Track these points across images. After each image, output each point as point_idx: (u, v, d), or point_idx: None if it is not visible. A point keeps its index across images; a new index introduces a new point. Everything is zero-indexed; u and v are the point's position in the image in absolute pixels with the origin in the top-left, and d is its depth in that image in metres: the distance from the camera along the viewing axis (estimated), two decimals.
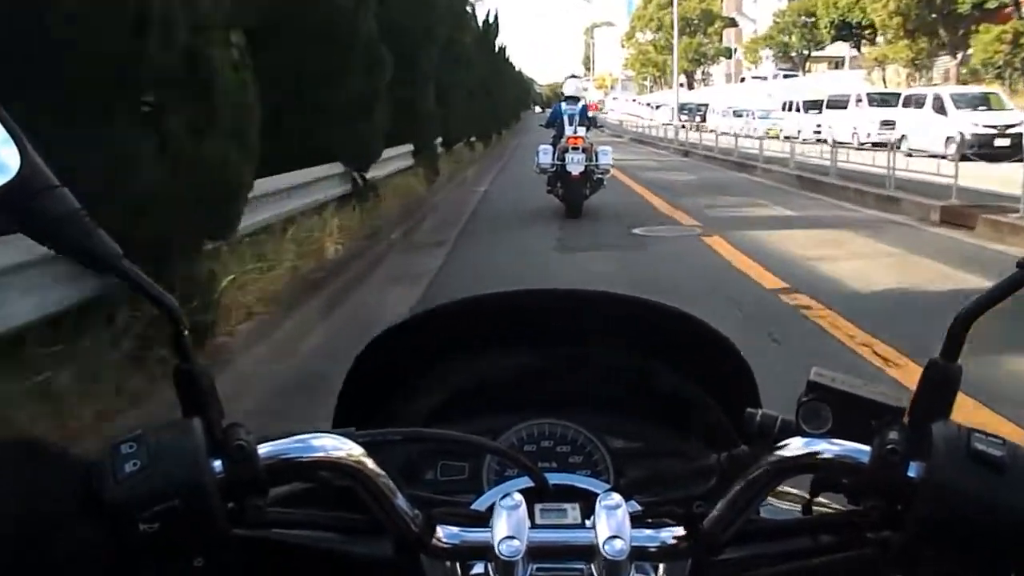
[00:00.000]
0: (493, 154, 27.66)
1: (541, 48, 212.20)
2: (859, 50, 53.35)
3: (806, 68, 64.35)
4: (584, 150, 11.08)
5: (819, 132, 28.87)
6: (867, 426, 0.63)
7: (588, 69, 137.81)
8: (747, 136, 25.83)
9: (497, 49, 36.09)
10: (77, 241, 0.61)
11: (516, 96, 55.06)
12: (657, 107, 55.58)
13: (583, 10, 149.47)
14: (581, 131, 11.34)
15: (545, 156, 11.34)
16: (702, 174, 19.21)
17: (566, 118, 11.52)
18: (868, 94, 29.28)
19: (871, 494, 0.63)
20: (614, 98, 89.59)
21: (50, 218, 0.60)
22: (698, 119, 42.07)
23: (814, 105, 32.21)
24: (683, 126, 35.12)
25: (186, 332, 0.63)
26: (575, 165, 10.95)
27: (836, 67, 60.84)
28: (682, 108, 47.23)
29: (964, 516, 0.57)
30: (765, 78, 64.14)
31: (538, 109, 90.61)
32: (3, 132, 0.60)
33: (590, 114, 12.06)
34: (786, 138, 26.33)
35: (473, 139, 25.06)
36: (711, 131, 29.92)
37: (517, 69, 62.01)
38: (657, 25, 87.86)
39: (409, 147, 14.10)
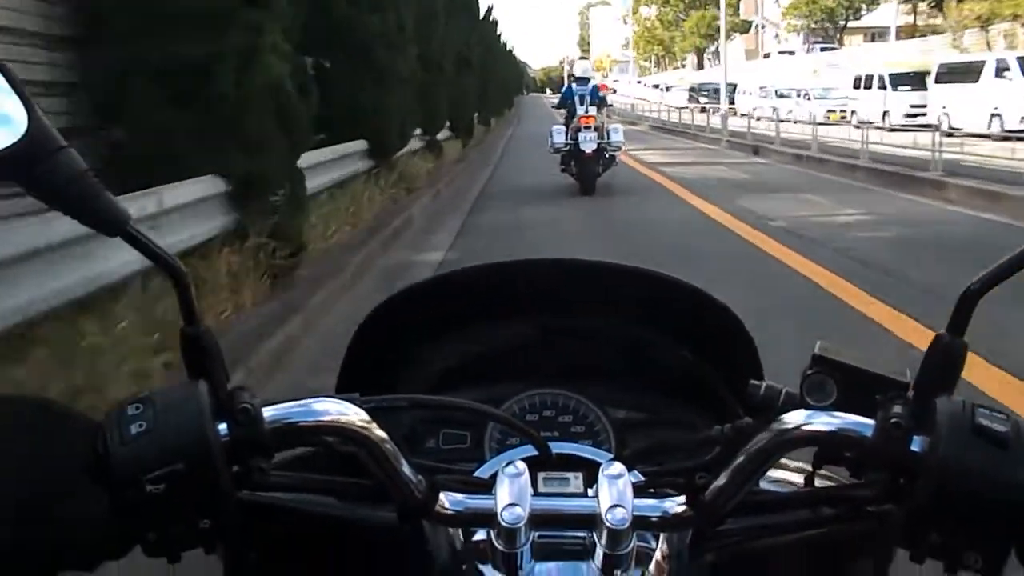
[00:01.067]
0: (474, 161, 19.29)
1: (534, 31, 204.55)
2: (915, 16, 46.19)
3: (841, 41, 56.59)
4: (596, 129, 11.57)
5: (919, 114, 21.55)
6: (871, 400, 0.63)
7: (584, 52, 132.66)
8: (819, 123, 18.80)
9: (483, 15, 30.73)
10: (85, 203, 0.61)
11: (506, 79, 48.28)
12: (667, 89, 50.63)
13: None
14: (592, 111, 11.81)
15: (559, 136, 11.81)
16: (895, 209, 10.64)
17: (577, 98, 11.98)
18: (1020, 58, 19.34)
19: (874, 468, 0.63)
20: (615, 80, 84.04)
21: (57, 179, 0.60)
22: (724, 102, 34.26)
23: (909, 79, 24.29)
24: (703, 110, 31.22)
25: (192, 294, 0.64)
26: (588, 143, 11.44)
27: (873, 39, 53.85)
28: (699, 89, 43.82)
29: (967, 491, 0.57)
30: (792, 53, 57.55)
31: (533, 94, 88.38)
32: (11, 92, 0.60)
33: (600, 94, 12.54)
34: (859, 123, 18.99)
35: (446, 135, 18.16)
36: (753, 115, 25.73)
37: (509, 47, 56.50)
38: None
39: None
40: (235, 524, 0.61)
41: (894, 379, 0.64)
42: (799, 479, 0.77)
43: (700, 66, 79.34)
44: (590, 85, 12.20)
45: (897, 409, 0.61)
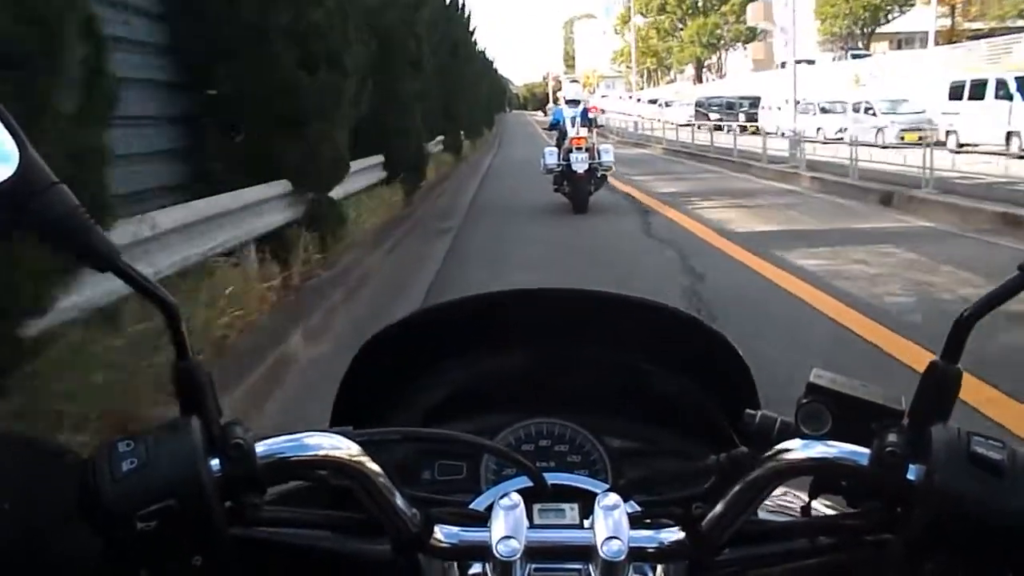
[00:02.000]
0: (414, 232, 10.61)
1: (516, 46, 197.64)
2: (952, 19, 40.11)
3: (867, 47, 50.07)
4: (587, 149, 11.86)
5: None
6: (866, 428, 0.63)
7: (569, 66, 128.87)
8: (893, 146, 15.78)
9: (458, 13, 25.86)
10: (76, 239, 0.61)
11: (488, 94, 42.15)
12: (667, 104, 46.23)
13: (561, 3, 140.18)
14: (583, 132, 12.15)
15: (551, 157, 12.25)
16: None
17: (568, 120, 12.36)
18: None
19: (870, 496, 0.63)
20: (603, 96, 77.99)
21: (49, 216, 0.60)
22: (739, 118, 30.22)
23: None
24: (718, 127, 26.38)
25: (183, 327, 0.63)
26: (579, 164, 11.74)
27: (899, 46, 48.03)
28: (707, 104, 38.54)
29: (963, 519, 0.57)
30: (812, 62, 49.57)
31: (516, 111, 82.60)
32: (1, 129, 0.59)
33: (590, 116, 12.87)
34: (960, 146, 16.65)
35: (370, 179, 10.80)
36: (777, 133, 22.28)
37: (489, 59, 50.74)
38: (660, 4, 73.94)
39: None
40: (228, 560, 0.61)
41: (889, 407, 0.64)
42: (796, 508, 0.76)
43: (699, 79, 73.15)
44: (580, 107, 12.56)
45: (892, 438, 0.61)
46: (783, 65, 52.38)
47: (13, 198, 0.59)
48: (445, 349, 0.95)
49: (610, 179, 13.06)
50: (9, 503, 0.55)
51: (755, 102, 36.10)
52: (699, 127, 30.63)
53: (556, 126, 12.85)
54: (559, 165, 12.05)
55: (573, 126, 12.15)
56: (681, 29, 75.36)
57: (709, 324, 0.91)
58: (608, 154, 12.19)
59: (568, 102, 12.73)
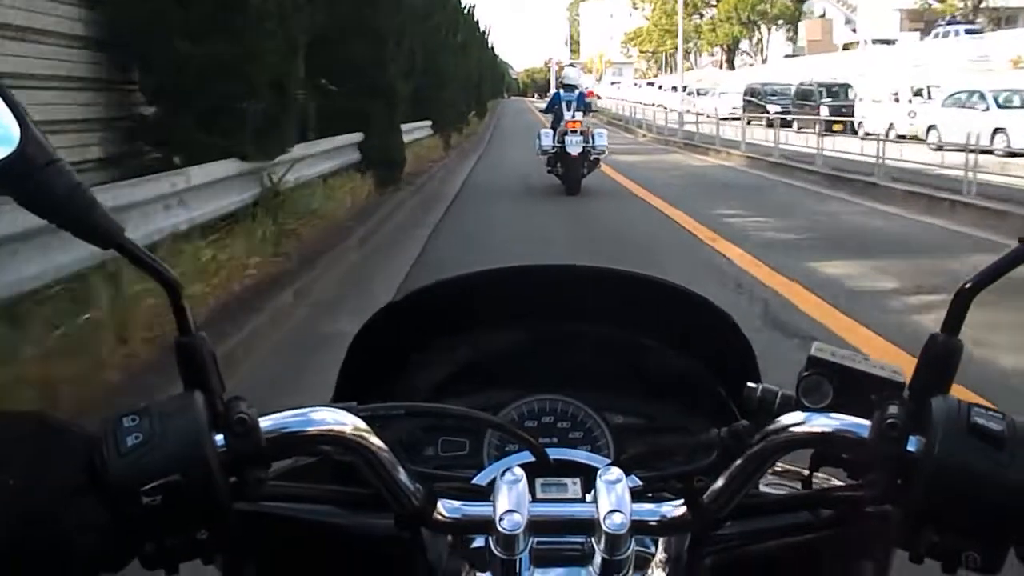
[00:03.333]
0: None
1: (517, 29, 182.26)
2: None
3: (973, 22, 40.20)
4: (582, 133, 12.23)
5: None
6: (867, 401, 0.63)
7: (573, 52, 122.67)
8: None
9: None
10: (78, 216, 0.61)
11: (479, 75, 35.33)
12: (698, 92, 38.74)
13: None
14: (579, 116, 12.56)
15: (546, 139, 12.56)
16: None
17: (564, 104, 12.78)
18: None
19: (871, 468, 0.63)
20: (613, 83, 72.75)
21: (50, 193, 0.60)
22: (820, 112, 23.39)
23: None
24: (785, 123, 20.21)
25: (186, 303, 0.63)
26: (574, 147, 12.12)
27: (999, 25, 39.95)
28: (762, 93, 31.38)
29: (963, 490, 0.57)
30: (892, 41, 40.91)
31: (515, 97, 76.63)
32: (2, 106, 0.59)
33: (586, 100, 13.38)
34: None
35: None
36: (890, 133, 16.84)
37: (486, 36, 43.43)
38: None
39: None
40: (233, 535, 0.61)
41: (889, 379, 0.65)
42: (797, 481, 0.77)
43: (730, 64, 63.83)
44: (576, 92, 12.89)
45: (893, 409, 0.61)
46: (849, 46, 45.08)
47: (13, 174, 0.59)
48: (448, 326, 0.95)
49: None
50: (15, 478, 0.55)
51: (841, 90, 27.33)
52: (749, 121, 22.93)
53: (552, 109, 13.26)
54: (554, 147, 12.37)
55: (569, 110, 12.52)
56: (714, 4, 64.68)
57: (711, 300, 0.92)
58: (601, 138, 12.51)
59: (564, 86, 13.15)
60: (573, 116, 12.35)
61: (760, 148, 18.57)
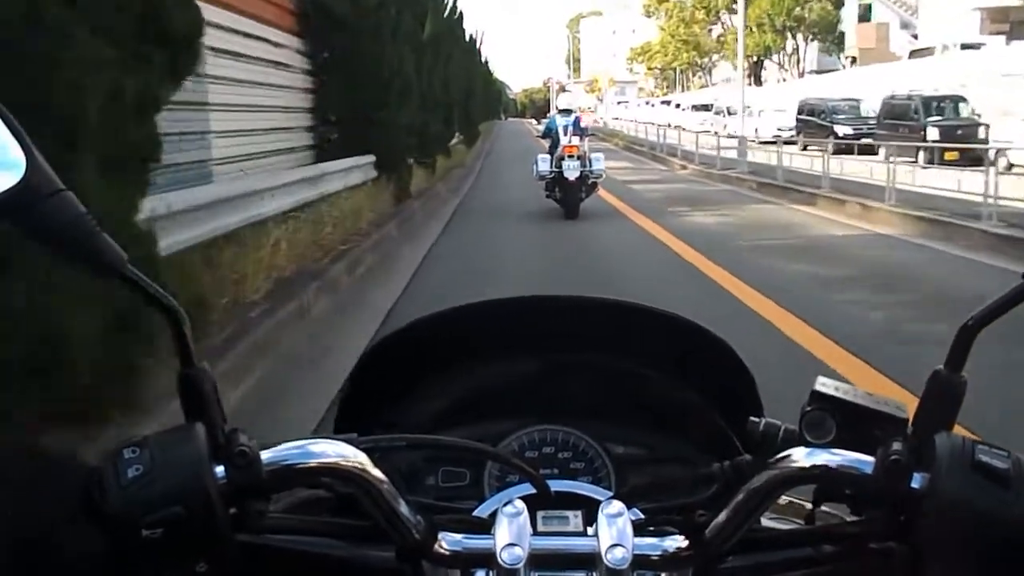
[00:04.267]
0: None
1: (515, 49, 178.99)
2: None
3: None
4: (579, 157, 12.31)
5: None
6: (870, 436, 0.63)
7: (574, 71, 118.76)
8: None
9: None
10: (82, 246, 0.61)
11: (468, 90, 28.47)
12: (728, 112, 31.92)
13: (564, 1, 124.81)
14: (575, 140, 12.63)
15: (544, 164, 12.63)
16: None
17: (560, 129, 12.88)
18: None
19: (874, 505, 0.63)
20: (619, 102, 65.92)
21: (55, 223, 0.60)
22: (926, 135, 18.29)
23: None
24: (867, 149, 17.54)
25: (189, 335, 0.63)
26: (571, 172, 12.18)
27: None
28: (828, 111, 24.65)
29: (967, 527, 0.57)
30: (979, 46, 33.99)
31: (513, 119, 72.13)
32: (8, 135, 0.59)
33: (582, 125, 13.37)
34: None
35: None
36: None
37: (477, 46, 37.72)
38: None
39: None
40: (233, 567, 0.61)
41: (893, 415, 0.65)
42: (799, 516, 0.77)
43: (756, 79, 55.32)
44: (572, 116, 13.03)
45: (896, 446, 0.61)
46: (918, 52, 34.14)
47: (19, 204, 0.59)
48: (449, 356, 0.95)
49: None
50: (13, 508, 0.55)
51: (949, 105, 20.25)
52: (805, 147, 19.65)
53: (549, 134, 13.36)
54: (551, 172, 12.46)
55: (566, 134, 12.62)
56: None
57: (713, 332, 0.91)
58: (599, 162, 12.60)
59: (560, 111, 13.37)
60: (570, 141, 12.45)
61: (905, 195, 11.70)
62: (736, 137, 20.71)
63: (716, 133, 24.42)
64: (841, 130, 22.58)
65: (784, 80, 51.15)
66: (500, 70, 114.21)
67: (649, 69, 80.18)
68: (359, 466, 0.64)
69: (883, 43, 39.78)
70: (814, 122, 24.52)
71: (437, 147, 17.54)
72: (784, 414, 0.71)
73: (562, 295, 0.95)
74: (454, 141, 23.65)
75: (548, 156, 12.64)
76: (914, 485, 0.60)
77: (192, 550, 0.59)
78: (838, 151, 16.15)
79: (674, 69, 73.52)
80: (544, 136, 13.84)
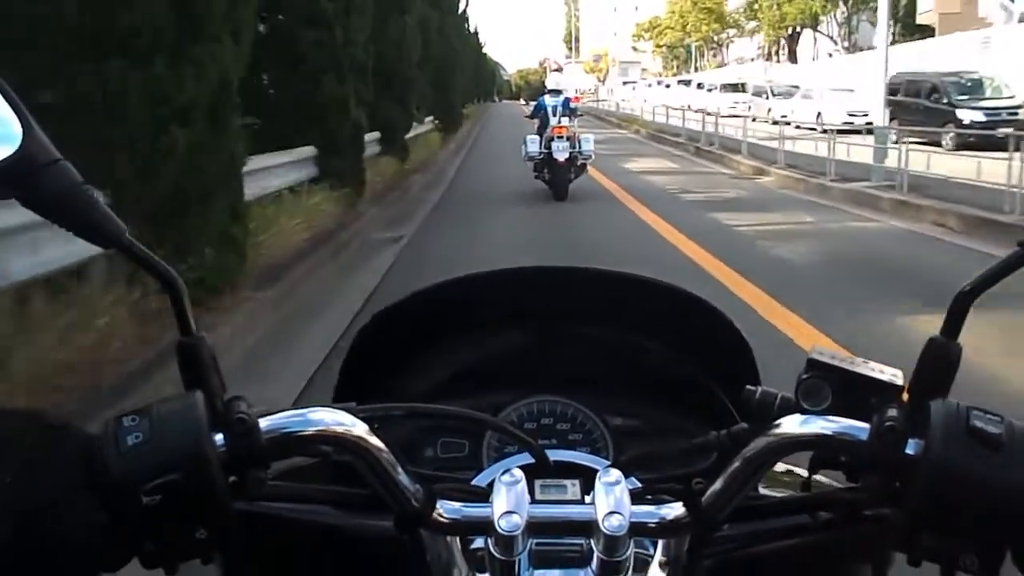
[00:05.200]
0: None
1: (510, 29, 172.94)
2: None
3: None
4: (568, 138, 12.20)
5: None
6: (866, 403, 0.64)
7: (572, 50, 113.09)
8: None
9: None
10: (80, 215, 0.61)
11: (450, 63, 23.99)
12: (772, 93, 29.74)
13: None
14: (564, 121, 12.53)
15: (533, 145, 12.50)
16: None
17: (550, 109, 12.77)
18: None
19: (869, 471, 0.63)
20: (627, 83, 60.77)
21: (53, 192, 0.60)
22: None
23: None
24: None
25: (187, 303, 0.63)
26: (560, 152, 12.10)
27: None
28: (919, 90, 18.92)
29: (961, 493, 0.58)
30: None
31: (507, 100, 67.59)
32: (5, 106, 0.59)
33: (571, 105, 13.28)
34: None
35: None
36: None
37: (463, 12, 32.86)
38: None
39: None
40: (232, 535, 0.61)
41: (888, 382, 0.65)
42: (795, 484, 0.77)
43: (792, 55, 48.77)
44: (562, 97, 12.92)
45: (892, 412, 0.61)
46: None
47: (16, 175, 0.59)
48: (448, 327, 0.95)
49: None
50: (14, 476, 0.55)
51: None
52: (898, 139, 12.99)
53: (537, 114, 13.24)
54: (540, 153, 12.37)
55: (555, 115, 12.53)
56: None
57: (710, 302, 0.92)
58: (588, 144, 12.51)
59: (550, 91, 13.20)
60: (559, 121, 12.37)
61: None
62: (794, 124, 17.39)
63: (757, 118, 21.42)
64: (967, 116, 16.84)
65: (832, 55, 42.30)
66: (495, 51, 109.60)
67: (658, 47, 70.94)
68: (358, 435, 0.64)
69: (970, 7, 30.70)
70: (920, 105, 18.04)
71: (396, 138, 14.02)
72: None
73: (561, 266, 0.96)
74: (422, 129, 18.61)
75: (537, 137, 12.54)
76: (909, 451, 0.60)
77: (191, 517, 0.59)
78: (962, 145, 12.37)
79: (686, 47, 65.78)
80: (533, 116, 13.72)
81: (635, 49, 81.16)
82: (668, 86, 46.36)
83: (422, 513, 0.67)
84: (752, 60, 55.37)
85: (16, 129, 0.59)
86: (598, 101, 61.40)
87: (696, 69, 62.35)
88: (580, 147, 12.35)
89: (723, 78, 42.03)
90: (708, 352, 0.92)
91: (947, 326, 0.62)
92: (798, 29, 49.19)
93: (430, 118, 21.06)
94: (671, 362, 0.95)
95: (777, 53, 54.01)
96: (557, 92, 13.03)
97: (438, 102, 21.43)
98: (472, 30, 43.31)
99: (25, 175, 0.59)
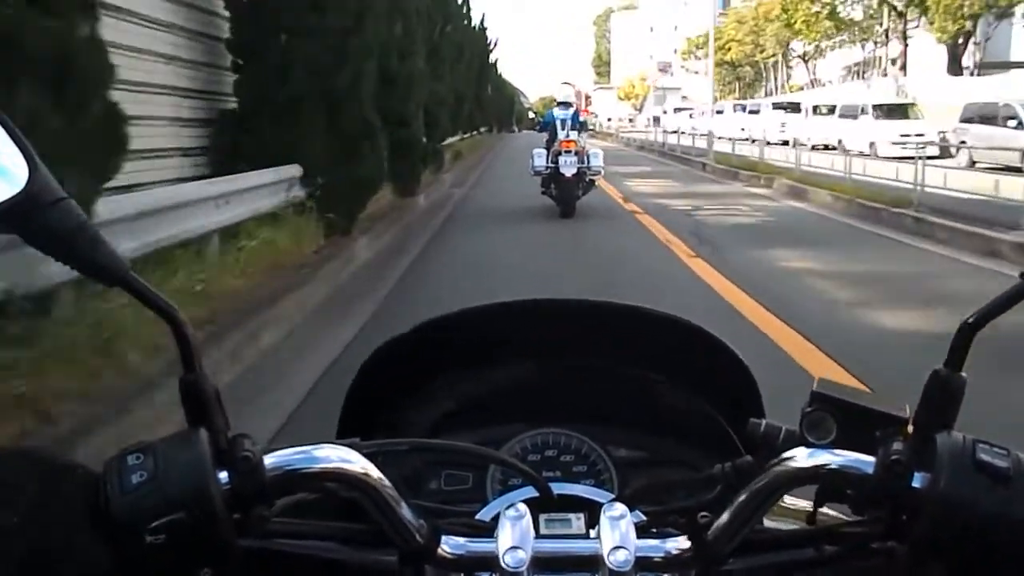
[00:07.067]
0: None
1: (531, 53, 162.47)
2: None
3: None
4: (576, 153, 11.85)
5: None
6: (871, 436, 0.63)
7: (600, 75, 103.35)
8: None
9: None
10: (84, 254, 0.61)
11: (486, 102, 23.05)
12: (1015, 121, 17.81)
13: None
14: (573, 135, 12.16)
15: (539, 159, 12.17)
16: None
17: (558, 123, 12.39)
18: None
19: (875, 505, 0.63)
20: (680, 109, 50.59)
21: (57, 231, 0.60)
22: None
23: None
24: None
25: (191, 340, 0.63)
26: (568, 167, 11.74)
27: None
28: None
29: (968, 527, 0.57)
30: None
31: (527, 131, 54.61)
32: (11, 145, 0.59)
33: (581, 119, 12.88)
34: None
35: None
36: None
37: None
38: None
39: None
40: (236, 572, 0.61)
41: (893, 415, 0.65)
42: (801, 518, 0.77)
43: (956, 63, 37.51)
44: (571, 110, 12.59)
45: (897, 446, 0.61)
46: None
47: (21, 213, 0.59)
48: (452, 360, 0.95)
49: None
50: (19, 516, 0.55)
51: None
52: None
53: (546, 128, 12.90)
54: (547, 167, 12.07)
55: (563, 128, 12.20)
56: None
57: (715, 334, 0.92)
58: (597, 158, 12.21)
59: (559, 104, 12.81)
60: (567, 135, 12.03)
61: None
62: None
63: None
64: None
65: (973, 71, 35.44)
66: (515, 77, 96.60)
67: (718, 65, 53.67)
68: (361, 471, 0.64)
69: None
70: None
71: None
72: None
73: (564, 298, 0.95)
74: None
75: (544, 151, 12.25)
76: (915, 484, 0.60)
77: (196, 556, 0.59)
78: None
79: (756, 63, 54.94)
80: (541, 129, 13.39)
81: (686, 70, 73.65)
82: (756, 112, 34.76)
83: (426, 549, 0.67)
84: (859, 77, 46.51)
85: (22, 168, 0.59)
86: (651, 130, 44.16)
87: (769, 92, 51.64)
88: (589, 162, 12.04)
89: (830, 98, 30.76)
90: (713, 384, 0.92)
91: (951, 358, 0.62)
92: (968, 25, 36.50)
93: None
94: (675, 394, 0.95)
95: (880, 66, 44.81)
96: (567, 105, 12.66)
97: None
98: (488, 42, 36.18)
99: (30, 213, 0.59)
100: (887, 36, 43.07)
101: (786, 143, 22.71)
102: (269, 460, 0.62)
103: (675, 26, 78.94)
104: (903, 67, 39.70)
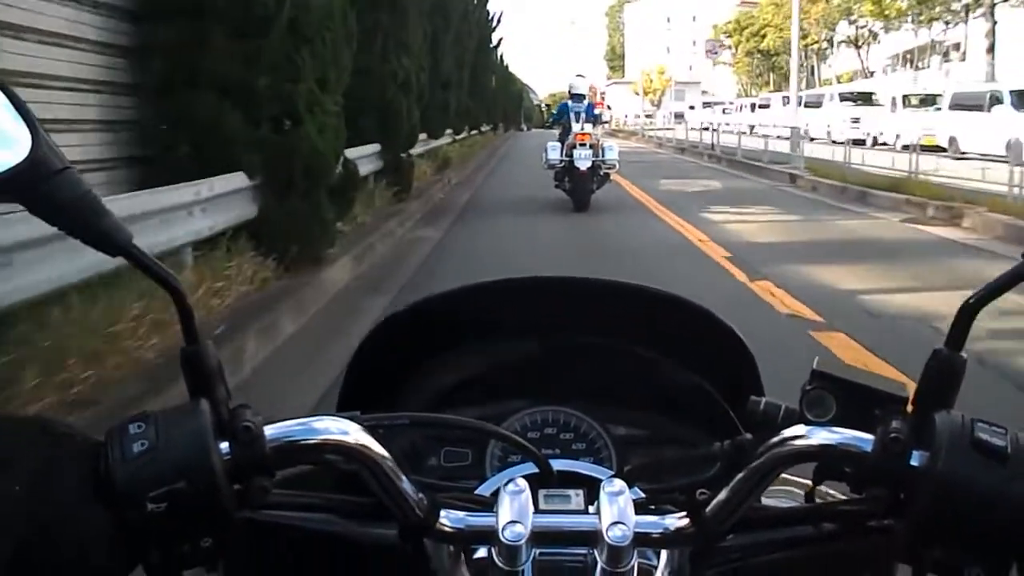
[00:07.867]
0: None
1: (540, 46, 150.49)
2: None
3: None
4: (591, 146, 11.62)
5: None
6: (870, 415, 0.63)
7: (614, 69, 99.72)
8: None
9: None
10: (87, 223, 0.61)
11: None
12: None
13: None
14: (588, 127, 11.93)
15: (554, 152, 11.89)
16: None
17: (573, 115, 12.11)
18: None
19: (874, 483, 0.63)
20: (710, 104, 48.76)
21: (61, 200, 0.60)
22: None
23: None
24: None
25: (192, 311, 0.64)
26: (583, 161, 11.52)
27: None
28: None
29: (966, 505, 0.57)
30: None
31: (537, 129, 52.55)
32: (14, 114, 0.60)
33: (596, 111, 12.64)
34: None
35: None
36: None
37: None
38: None
39: None
40: (237, 542, 0.61)
41: (893, 394, 0.65)
42: (799, 495, 0.77)
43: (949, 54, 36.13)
44: (586, 102, 12.35)
45: (896, 424, 0.61)
46: None
47: (24, 183, 0.59)
48: (452, 336, 0.95)
49: None
50: (21, 485, 0.55)
51: None
52: None
53: (559, 120, 12.65)
54: (561, 161, 11.82)
55: (577, 121, 11.96)
56: None
57: (715, 313, 0.92)
58: (612, 152, 11.99)
59: (573, 96, 12.48)
60: (582, 128, 11.81)
61: None
62: None
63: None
64: None
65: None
66: (523, 72, 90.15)
67: (748, 54, 54.06)
68: (362, 444, 0.64)
69: None
70: None
71: None
72: None
73: (565, 276, 0.96)
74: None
75: (558, 144, 11.98)
76: (913, 463, 0.60)
77: (196, 525, 0.59)
78: None
79: (815, 45, 49.25)
80: (555, 122, 13.10)
81: (715, 62, 68.52)
82: (801, 103, 24.03)
83: (426, 522, 0.67)
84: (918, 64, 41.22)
85: (25, 137, 0.59)
86: (672, 127, 38.04)
87: (808, 83, 46.02)
88: (603, 155, 11.81)
89: (862, 88, 26.15)
90: (712, 362, 0.92)
91: (951, 337, 0.62)
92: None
93: None
94: (675, 372, 0.95)
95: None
96: (581, 96, 12.33)
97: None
98: (489, 17, 30.57)
99: (33, 183, 0.59)
100: (967, 12, 37.66)
101: (860, 142, 18.03)
102: (270, 431, 0.62)
103: (693, 16, 76.05)
104: (990, 49, 33.46)
